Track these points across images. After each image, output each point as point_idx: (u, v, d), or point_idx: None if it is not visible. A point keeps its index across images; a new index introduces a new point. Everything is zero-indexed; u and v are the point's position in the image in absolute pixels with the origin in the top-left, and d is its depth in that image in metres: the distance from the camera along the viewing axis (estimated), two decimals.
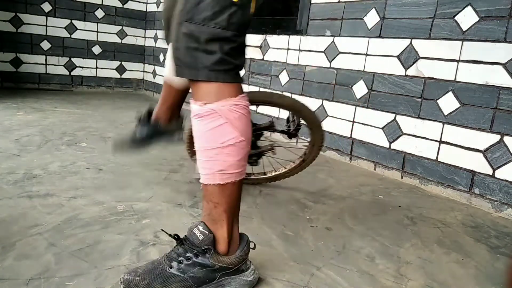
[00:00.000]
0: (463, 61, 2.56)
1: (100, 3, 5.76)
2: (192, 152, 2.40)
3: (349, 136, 3.31)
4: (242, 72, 1.26)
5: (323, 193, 2.51)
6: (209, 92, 1.19)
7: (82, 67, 5.77)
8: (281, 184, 2.54)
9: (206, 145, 1.24)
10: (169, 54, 2.04)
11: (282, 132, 2.39)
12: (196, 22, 1.12)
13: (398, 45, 2.94)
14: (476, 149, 2.51)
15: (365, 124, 3.19)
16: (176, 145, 2.42)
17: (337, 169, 3.12)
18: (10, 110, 4.00)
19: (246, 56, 1.06)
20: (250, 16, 1.25)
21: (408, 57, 2.87)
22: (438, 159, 2.71)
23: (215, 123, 1.20)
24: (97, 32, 5.81)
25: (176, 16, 1.17)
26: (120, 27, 6.00)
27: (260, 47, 4.20)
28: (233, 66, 1.19)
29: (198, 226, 1.31)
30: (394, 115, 2.98)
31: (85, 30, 5.70)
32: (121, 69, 6.14)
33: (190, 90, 1.29)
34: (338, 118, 3.40)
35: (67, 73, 5.67)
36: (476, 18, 2.48)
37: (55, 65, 5.55)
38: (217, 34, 1.13)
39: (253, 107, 1.77)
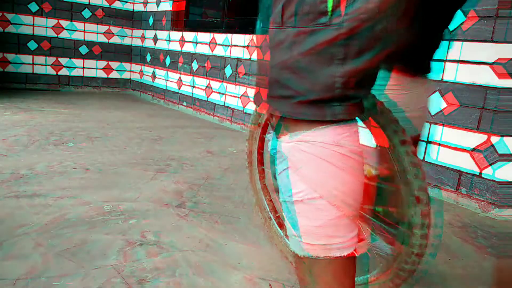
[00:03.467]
0: (450, 60, 2.58)
1: (87, 2, 5.75)
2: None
3: None
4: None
5: None
6: (283, 123, 0.89)
7: (69, 67, 5.75)
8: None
9: (279, 196, 0.94)
10: None
11: None
12: None
13: None
14: (463, 149, 2.54)
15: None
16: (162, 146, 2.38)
17: None
18: None
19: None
20: None
21: None
22: (425, 159, 2.73)
23: (281, 167, 0.91)
24: (84, 32, 5.79)
25: None
26: (107, 27, 5.99)
27: (247, 46, 4.21)
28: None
29: None
30: None
31: (72, 30, 5.68)
32: (108, 69, 6.12)
33: None
34: None
35: (54, 73, 5.65)
36: (463, 18, 2.50)
37: (42, 65, 5.52)
38: None
39: None
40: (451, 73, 2.57)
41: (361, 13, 0.74)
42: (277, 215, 1.72)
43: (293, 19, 0.79)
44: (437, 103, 2.64)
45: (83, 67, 5.88)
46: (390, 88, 1.35)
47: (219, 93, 4.60)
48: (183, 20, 5.26)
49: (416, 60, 1.35)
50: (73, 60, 5.78)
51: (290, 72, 0.80)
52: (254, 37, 4.13)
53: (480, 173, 2.46)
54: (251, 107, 4.18)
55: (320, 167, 0.84)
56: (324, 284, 0.91)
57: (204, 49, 4.81)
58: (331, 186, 0.84)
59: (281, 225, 1.71)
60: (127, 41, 6.24)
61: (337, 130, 0.83)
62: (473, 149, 2.49)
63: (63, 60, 5.69)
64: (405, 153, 1.08)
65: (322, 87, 0.78)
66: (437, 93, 2.64)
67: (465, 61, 2.51)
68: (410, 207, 1.10)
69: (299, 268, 0.94)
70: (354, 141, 0.85)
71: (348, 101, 0.81)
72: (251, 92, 4.16)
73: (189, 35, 5.05)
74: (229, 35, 4.45)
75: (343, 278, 0.91)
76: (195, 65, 4.96)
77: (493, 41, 2.38)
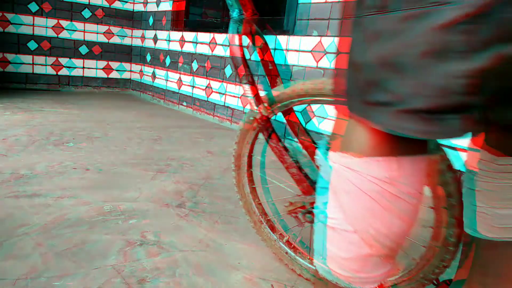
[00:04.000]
0: None
1: (87, 2, 5.74)
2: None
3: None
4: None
5: None
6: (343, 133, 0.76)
7: (69, 67, 5.75)
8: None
9: (315, 206, 0.86)
10: None
11: None
12: None
13: None
14: (463, 148, 2.53)
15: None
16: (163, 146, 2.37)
17: None
18: None
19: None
20: None
21: None
22: None
23: (323, 181, 0.81)
24: (84, 32, 5.79)
25: None
26: (107, 27, 5.98)
27: (247, 47, 4.20)
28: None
29: None
30: None
31: (72, 30, 5.68)
32: (108, 69, 6.12)
33: None
34: (326, 118, 3.41)
35: (54, 73, 5.65)
36: None
37: (42, 65, 5.52)
38: None
39: None
40: None
41: None
42: (268, 218, 1.71)
43: None
44: None
45: (83, 67, 5.88)
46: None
47: (219, 93, 4.60)
48: (183, 20, 5.26)
49: None
50: (73, 60, 5.77)
51: (390, 71, 0.62)
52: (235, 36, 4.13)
53: None
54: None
55: (362, 202, 0.73)
56: None
57: (204, 49, 4.81)
58: (369, 224, 0.74)
59: (273, 228, 1.70)
60: (127, 41, 6.24)
61: (393, 164, 0.70)
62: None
63: (63, 60, 5.69)
64: (451, 179, 1.13)
65: (434, 91, 0.59)
66: None
67: None
68: (448, 228, 1.18)
69: (317, 283, 0.90)
70: (413, 181, 0.72)
71: (466, 112, 0.60)
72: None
73: (189, 35, 5.05)
74: None
75: None
76: (195, 65, 4.96)
77: None
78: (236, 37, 1.45)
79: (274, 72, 1.53)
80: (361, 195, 0.72)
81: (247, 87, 1.44)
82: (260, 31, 1.53)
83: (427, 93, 0.59)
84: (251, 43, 1.50)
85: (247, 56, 1.45)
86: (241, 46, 1.44)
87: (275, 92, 1.45)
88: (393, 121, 0.63)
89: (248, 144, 1.62)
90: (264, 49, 1.53)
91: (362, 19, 0.67)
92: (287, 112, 1.54)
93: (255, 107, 1.44)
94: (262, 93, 1.45)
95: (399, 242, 0.77)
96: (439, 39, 0.57)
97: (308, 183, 1.44)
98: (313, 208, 1.41)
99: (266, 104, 1.45)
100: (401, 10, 0.60)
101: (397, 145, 0.69)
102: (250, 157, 1.67)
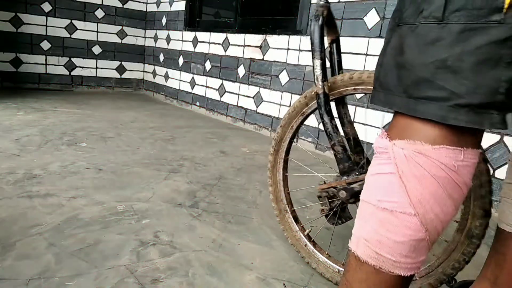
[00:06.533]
0: None
1: (100, 3, 5.76)
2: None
3: None
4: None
5: None
6: (401, 125, 0.83)
7: (82, 67, 5.77)
8: None
9: (364, 195, 0.89)
10: None
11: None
12: None
13: None
14: None
15: (364, 124, 3.19)
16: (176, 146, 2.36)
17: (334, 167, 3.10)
18: (10, 110, 4.00)
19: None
20: None
21: None
22: None
23: (379, 168, 0.86)
24: (97, 32, 5.81)
25: None
26: (120, 27, 6.00)
27: (260, 47, 4.20)
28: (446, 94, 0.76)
29: None
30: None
31: (85, 30, 5.70)
32: (121, 69, 6.14)
33: None
34: (337, 118, 3.39)
35: (67, 73, 5.67)
36: None
37: (55, 65, 5.55)
38: None
39: None
40: None
41: None
42: (293, 208, 1.71)
43: (459, 14, 0.72)
44: None
45: (96, 67, 5.90)
46: None
47: (232, 93, 4.60)
48: (196, 20, 5.26)
49: None
50: (86, 60, 5.80)
51: (449, 72, 0.73)
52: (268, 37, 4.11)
53: (493, 173, 2.43)
54: (264, 107, 4.17)
55: (429, 187, 0.79)
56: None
57: (217, 50, 4.81)
58: (430, 209, 0.79)
59: (296, 219, 1.69)
60: (140, 41, 6.26)
61: (459, 155, 0.78)
62: (486, 149, 2.46)
63: (76, 60, 5.71)
64: (484, 170, 1.17)
65: (485, 90, 0.72)
66: None
67: None
68: (476, 219, 1.21)
69: (349, 266, 0.90)
70: (470, 173, 0.81)
71: (506, 111, 0.74)
72: (264, 92, 4.15)
73: (202, 35, 5.05)
74: (242, 35, 4.44)
75: None
76: (208, 66, 4.96)
77: None
78: (320, 17, 1.55)
79: (338, 61, 1.64)
80: (429, 180, 0.78)
81: (317, 62, 1.49)
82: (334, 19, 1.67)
83: (480, 91, 0.72)
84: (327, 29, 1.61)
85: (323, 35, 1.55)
86: (322, 24, 1.54)
87: (335, 78, 1.52)
88: (446, 113, 0.75)
89: (292, 129, 1.63)
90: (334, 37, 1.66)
91: (419, 26, 0.78)
92: (339, 100, 1.62)
93: (320, 83, 1.48)
94: (328, 72, 1.51)
95: (446, 227, 0.84)
96: (493, 51, 0.70)
97: (349, 164, 1.46)
98: (348, 185, 1.45)
99: (329, 84, 1.51)
100: (461, 23, 0.72)
101: (459, 138, 0.78)
102: (291, 143, 1.68)
